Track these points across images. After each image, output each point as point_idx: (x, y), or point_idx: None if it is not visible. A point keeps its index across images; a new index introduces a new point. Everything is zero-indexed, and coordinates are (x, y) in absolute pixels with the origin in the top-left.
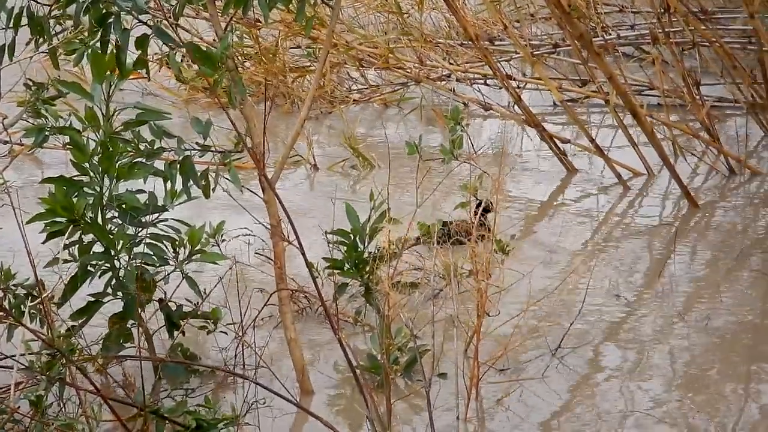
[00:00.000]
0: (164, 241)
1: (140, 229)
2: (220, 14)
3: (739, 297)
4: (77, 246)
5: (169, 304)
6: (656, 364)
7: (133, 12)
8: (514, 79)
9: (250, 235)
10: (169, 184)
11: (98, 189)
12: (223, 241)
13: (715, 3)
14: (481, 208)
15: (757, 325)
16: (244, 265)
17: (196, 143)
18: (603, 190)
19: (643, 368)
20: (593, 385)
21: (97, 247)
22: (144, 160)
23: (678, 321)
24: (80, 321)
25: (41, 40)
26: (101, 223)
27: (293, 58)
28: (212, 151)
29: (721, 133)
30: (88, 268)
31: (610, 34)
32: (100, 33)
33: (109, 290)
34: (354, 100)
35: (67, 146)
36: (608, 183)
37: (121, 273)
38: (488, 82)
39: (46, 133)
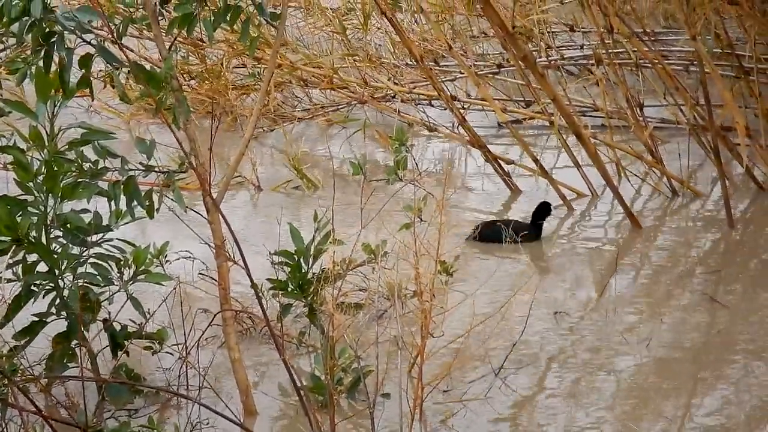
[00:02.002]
0: (109, 261)
1: (85, 249)
2: (164, 34)
3: (680, 318)
4: (21, 265)
5: (114, 324)
6: (598, 384)
7: (77, 31)
8: (459, 100)
9: (191, 258)
10: (113, 204)
11: (42, 208)
12: (168, 261)
13: (658, 24)
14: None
15: (698, 347)
16: (189, 285)
17: (140, 163)
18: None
19: (585, 389)
20: (536, 405)
21: (41, 267)
22: (88, 180)
23: (620, 342)
24: (23, 341)
25: None
26: (45, 243)
27: (238, 77)
28: (156, 171)
29: (664, 154)
30: (32, 287)
31: (554, 55)
32: (43, 52)
33: (53, 310)
34: (298, 118)
35: (11, 166)
36: (552, 203)
37: (65, 293)
38: (433, 102)
39: None
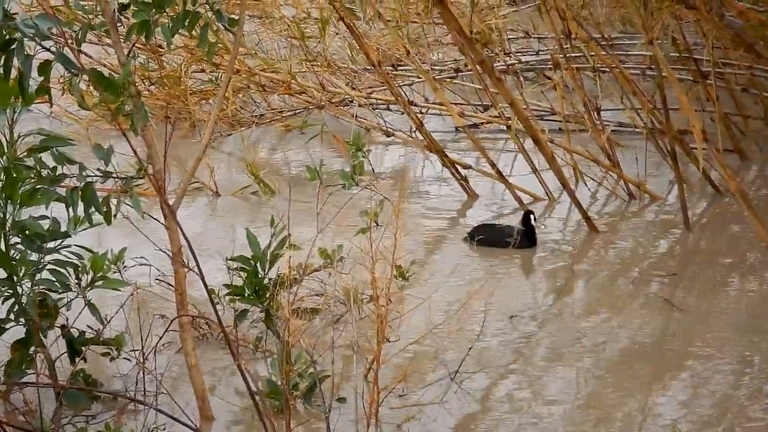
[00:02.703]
0: (67, 268)
1: (43, 255)
2: (122, 40)
3: (636, 321)
4: None
5: (71, 330)
6: (554, 388)
7: (36, 38)
8: (416, 105)
9: (148, 265)
10: (71, 211)
11: (1, 215)
12: (125, 267)
13: (616, 29)
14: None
15: (654, 350)
16: (146, 291)
17: (98, 169)
18: (504, 215)
19: (541, 392)
20: (492, 409)
21: (0, 274)
22: (46, 187)
23: (576, 345)
24: None
25: None
26: (4, 250)
27: (197, 83)
28: (114, 177)
29: (621, 158)
30: None
31: (512, 60)
32: (2, 59)
33: (11, 317)
34: (256, 124)
35: None
36: (509, 208)
37: (24, 299)
38: (391, 107)
39: None
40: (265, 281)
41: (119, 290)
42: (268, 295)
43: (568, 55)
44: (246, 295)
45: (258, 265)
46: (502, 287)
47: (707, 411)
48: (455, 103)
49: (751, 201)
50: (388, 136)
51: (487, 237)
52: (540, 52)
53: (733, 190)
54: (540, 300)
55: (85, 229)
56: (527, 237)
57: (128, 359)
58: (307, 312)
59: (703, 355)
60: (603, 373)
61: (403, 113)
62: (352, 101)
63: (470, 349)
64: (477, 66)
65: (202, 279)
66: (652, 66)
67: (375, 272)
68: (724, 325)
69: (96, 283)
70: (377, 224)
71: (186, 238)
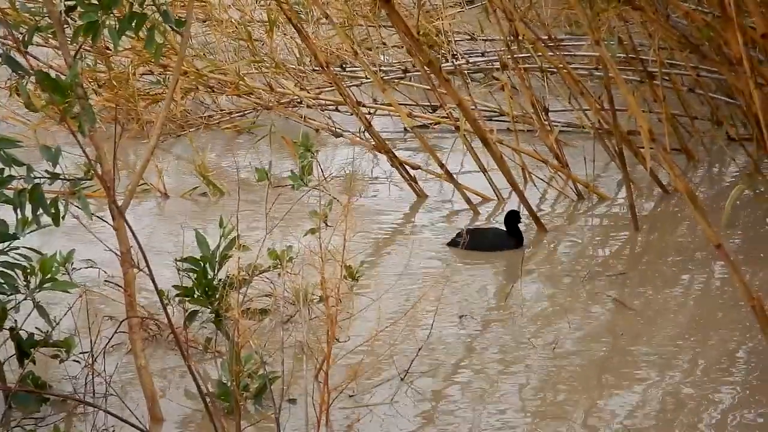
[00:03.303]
0: (15, 270)
1: None
2: (69, 42)
3: (586, 321)
4: None
5: (20, 332)
6: (505, 388)
7: None
8: (365, 105)
9: (97, 267)
10: (19, 213)
11: None
12: (74, 269)
13: (563, 30)
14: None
15: (604, 350)
16: (95, 293)
17: (46, 171)
18: (453, 216)
19: (491, 392)
20: (442, 409)
21: None
22: None
23: (526, 345)
24: None
25: None
26: None
27: (146, 84)
28: (62, 179)
29: (569, 158)
30: None
31: (460, 61)
32: None
33: None
34: (205, 125)
35: None
36: (458, 208)
37: None
38: (339, 108)
39: None
40: (215, 282)
41: (68, 292)
42: (217, 296)
43: (515, 56)
44: (195, 296)
45: (207, 266)
46: (452, 287)
47: (657, 411)
48: (404, 104)
49: (698, 201)
50: (336, 137)
51: (476, 241)
52: (487, 54)
53: (680, 190)
54: (490, 300)
55: (33, 231)
56: (515, 236)
57: (78, 361)
58: (257, 313)
59: (652, 354)
60: (553, 373)
61: (351, 114)
62: (300, 102)
63: (420, 349)
64: (425, 67)
65: (152, 280)
66: (599, 66)
67: (324, 273)
68: (673, 323)
69: (45, 285)
70: (326, 224)
71: (136, 239)
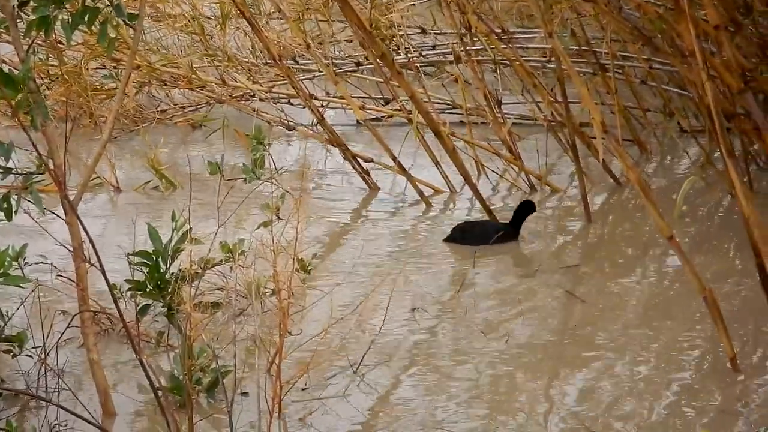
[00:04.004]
0: None
1: None
2: (22, 36)
3: (539, 313)
4: None
5: None
6: (457, 380)
7: None
8: (317, 98)
9: (46, 263)
10: None
11: None
12: (26, 264)
13: (515, 23)
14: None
15: (556, 342)
16: (48, 287)
17: None
18: (405, 208)
19: (444, 385)
20: (394, 402)
21: None
22: None
23: (478, 337)
24: None
25: None
26: None
27: (99, 79)
28: (14, 173)
29: (522, 150)
30: None
31: (413, 54)
32: None
33: None
34: (158, 119)
35: None
36: (411, 201)
37: None
38: (292, 101)
39: None
40: (167, 276)
41: (20, 287)
42: (170, 290)
43: (468, 48)
44: (148, 289)
45: (160, 259)
46: (404, 280)
47: (609, 401)
48: (356, 97)
49: (650, 192)
50: (289, 130)
51: (472, 235)
52: (439, 47)
53: (632, 181)
54: (442, 292)
55: None
56: (514, 229)
57: (30, 356)
58: (209, 306)
59: (604, 346)
60: (505, 366)
61: (304, 107)
62: (253, 95)
63: (372, 341)
64: (377, 60)
65: (103, 274)
66: (552, 59)
67: (277, 266)
68: (625, 315)
69: None
70: (279, 218)
71: (87, 234)
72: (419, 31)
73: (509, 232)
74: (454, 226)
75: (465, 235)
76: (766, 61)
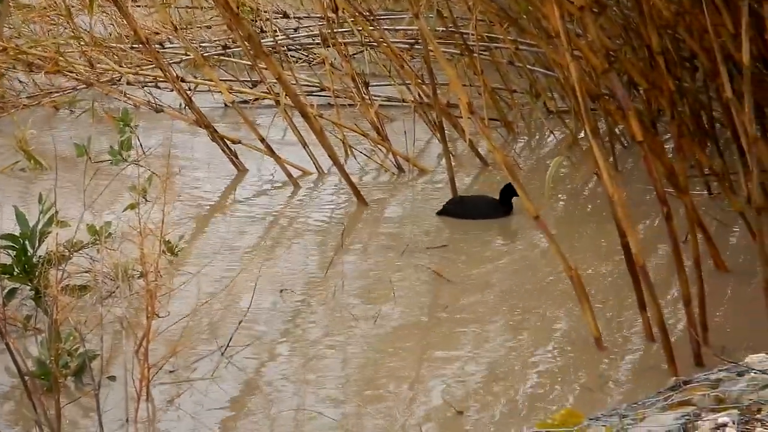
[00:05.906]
0: None
1: None
2: None
3: (407, 293)
4: None
5: None
6: (327, 363)
7: None
8: (185, 81)
9: None
10: None
11: None
12: None
13: (383, 6)
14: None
15: (426, 322)
16: None
17: None
18: (274, 189)
19: (313, 367)
20: (264, 384)
21: None
22: None
23: (348, 319)
24: None
25: None
26: None
27: None
28: None
29: (390, 132)
30: None
31: (280, 36)
32: None
33: None
34: (24, 105)
35: None
36: (279, 182)
37: None
38: (159, 84)
39: None
40: (34, 259)
41: None
42: (37, 273)
43: (336, 30)
44: (15, 273)
45: (27, 242)
46: (272, 261)
47: (478, 382)
48: (224, 80)
49: (516, 173)
50: (157, 112)
51: (464, 210)
52: (302, 29)
53: (498, 161)
54: (311, 274)
55: None
56: (505, 205)
57: None
58: (77, 289)
59: (473, 325)
60: (374, 347)
61: (171, 90)
62: (120, 79)
63: (240, 323)
64: (245, 42)
65: None
66: (420, 40)
67: (144, 248)
68: (493, 293)
69: None
70: (146, 200)
71: None
72: (280, 15)
73: (507, 208)
74: (447, 200)
75: (465, 208)
76: (630, 42)
